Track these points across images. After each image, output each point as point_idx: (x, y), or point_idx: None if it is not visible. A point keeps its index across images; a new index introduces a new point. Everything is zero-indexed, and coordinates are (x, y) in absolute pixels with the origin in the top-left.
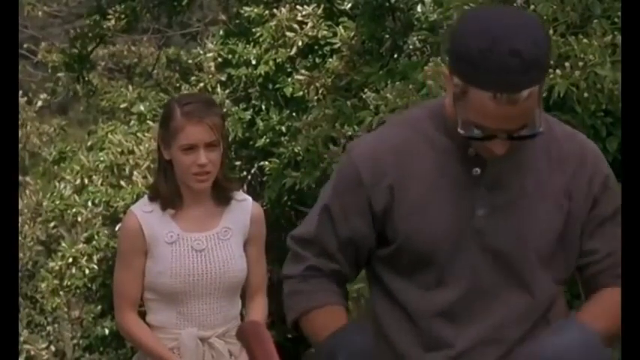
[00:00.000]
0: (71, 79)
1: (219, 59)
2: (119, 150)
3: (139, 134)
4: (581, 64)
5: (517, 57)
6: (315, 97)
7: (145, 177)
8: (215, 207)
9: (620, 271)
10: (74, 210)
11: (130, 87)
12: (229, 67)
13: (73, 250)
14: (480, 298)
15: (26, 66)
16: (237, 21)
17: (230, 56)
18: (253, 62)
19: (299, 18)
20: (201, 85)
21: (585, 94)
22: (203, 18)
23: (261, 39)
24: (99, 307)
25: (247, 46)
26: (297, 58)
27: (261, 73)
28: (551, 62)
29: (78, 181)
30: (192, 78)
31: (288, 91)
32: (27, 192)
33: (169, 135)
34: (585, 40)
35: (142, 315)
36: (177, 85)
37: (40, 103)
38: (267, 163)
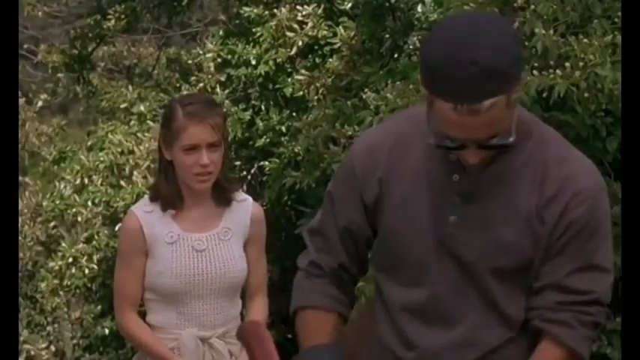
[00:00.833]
0: (71, 79)
1: (219, 59)
2: (119, 150)
3: (139, 134)
4: (581, 64)
5: (476, 66)
6: (315, 97)
7: (145, 177)
8: (215, 207)
9: (551, 315)
10: (74, 210)
11: (130, 87)
12: (229, 67)
13: (73, 250)
14: (452, 302)
15: (26, 66)
16: (237, 21)
17: (230, 56)
18: (253, 62)
19: (299, 18)
20: (201, 85)
21: (585, 94)
22: (203, 18)
23: (261, 39)
24: (99, 307)
25: (247, 46)
26: (297, 58)
27: (261, 73)
28: (551, 62)
29: (78, 181)
30: (192, 78)
31: (288, 91)
32: (27, 192)
33: (171, 135)
34: (585, 40)
35: (142, 315)
36: (178, 85)
37: (40, 104)
38: (267, 163)
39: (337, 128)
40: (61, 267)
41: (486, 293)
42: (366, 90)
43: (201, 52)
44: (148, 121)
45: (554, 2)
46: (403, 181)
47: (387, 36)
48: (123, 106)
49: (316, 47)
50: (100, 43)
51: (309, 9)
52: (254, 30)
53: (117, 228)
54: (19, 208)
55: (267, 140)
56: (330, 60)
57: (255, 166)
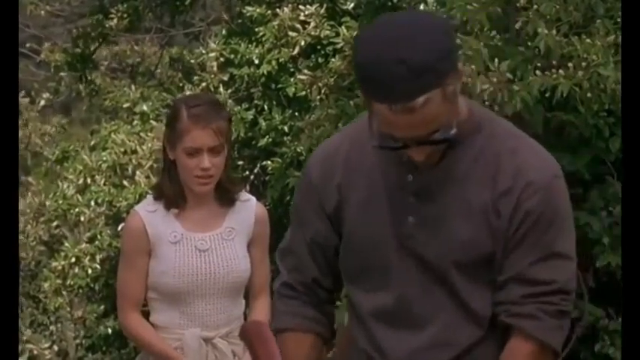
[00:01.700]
0: (74, 78)
1: (222, 59)
2: (122, 150)
3: (141, 134)
4: (584, 64)
5: (403, 65)
6: (318, 97)
7: (147, 177)
8: (219, 208)
9: (516, 309)
10: (77, 210)
11: (133, 86)
12: (232, 66)
13: (76, 250)
14: (419, 303)
15: (29, 65)
16: (239, 21)
17: (232, 56)
18: (256, 62)
19: (301, 18)
20: (204, 84)
21: (588, 94)
22: (206, 17)
23: (263, 39)
24: (102, 307)
25: (250, 45)
26: (299, 57)
27: (263, 72)
28: (554, 62)
29: (80, 181)
30: (195, 78)
31: (291, 90)
32: (29, 192)
33: (175, 136)
34: (588, 40)
35: (146, 315)
36: (180, 84)
37: (42, 103)
38: (269, 162)
39: (340, 128)
40: (64, 267)
41: (453, 292)
42: None
43: (204, 51)
44: (151, 121)
45: (557, 2)
46: (361, 185)
47: None
48: (126, 105)
49: (319, 47)
50: (103, 42)
51: (311, 9)
52: (257, 30)
53: (120, 228)
54: (22, 207)
55: (270, 140)
56: (333, 60)
57: (258, 165)
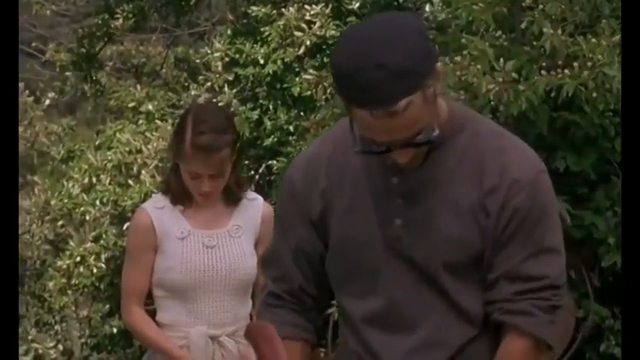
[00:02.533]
0: (79, 78)
1: (227, 59)
2: (127, 149)
3: (147, 133)
4: (589, 63)
5: (383, 70)
6: (323, 97)
7: (152, 176)
8: (225, 207)
9: (509, 306)
10: (82, 209)
11: (138, 86)
12: (237, 66)
13: (81, 249)
14: (409, 305)
15: (34, 65)
16: (244, 20)
17: (237, 56)
18: (261, 62)
19: (307, 17)
20: (209, 84)
21: (594, 94)
22: (211, 17)
23: (269, 38)
24: (107, 306)
25: (255, 45)
26: (305, 57)
27: (268, 72)
28: (560, 62)
29: (86, 180)
30: (200, 77)
31: (296, 90)
32: (35, 191)
33: (178, 153)
34: (594, 40)
35: (152, 314)
36: (186, 84)
37: (47, 102)
38: (274, 162)
39: None
40: (69, 266)
41: (442, 292)
42: None
43: (209, 51)
44: (156, 120)
45: (562, 2)
46: (345, 190)
47: None
48: (131, 105)
49: (324, 47)
50: (108, 42)
51: (317, 8)
52: (262, 29)
53: (125, 227)
54: (28, 206)
55: (275, 139)
56: None
57: (263, 165)
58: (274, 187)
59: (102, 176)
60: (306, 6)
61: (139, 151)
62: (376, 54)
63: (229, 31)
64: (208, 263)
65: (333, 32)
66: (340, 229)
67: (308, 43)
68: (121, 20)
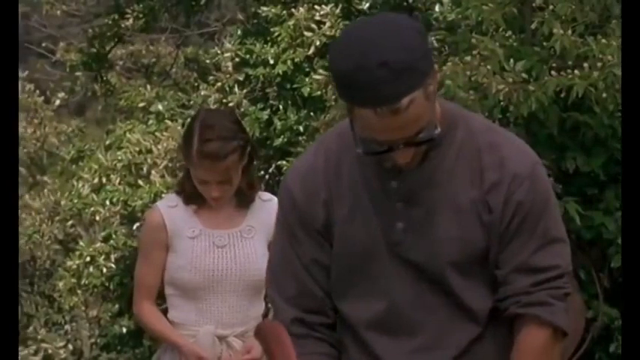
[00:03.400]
0: (89, 78)
1: (237, 59)
2: (137, 149)
3: (157, 133)
4: (599, 64)
5: (385, 68)
6: (333, 97)
7: (162, 176)
8: (238, 208)
9: (527, 298)
10: (92, 209)
11: (148, 86)
12: (247, 66)
13: (91, 249)
14: (412, 308)
15: (44, 65)
16: (254, 21)
17: (248, 56)
18: (271, 62)
19: (317, 18)
20: (219, 84)
21: (604, 95)
22: (221, 18)
23: (278, 39)
24: (116, 306)
25: (265, 45)
26: (314, 57)
27: (278, 72)
28: (570, 62)
29: (96, 180)
30: (210, 78)
31: (306, 90)
32: (45, 191)
33: (187, 158)
34: (604, 41)
35: (165, 313)
36: (196, 84)
37: (58, 102)
38: (284, 162)
39: None
40: (79, 266)
41: (448, 292)
42: None
43: (219, 51)
44: (166, 121)
45: (572, 2)
46: (344, 198)
47: None
48: (141, 105)
49: None
50: (118, 42)
51: (326, 9)
52: (272, 30)
53: (135, 227)
54: (37, 206)
55: (285, 140)
56: None
57: (273, 165)
58: None
59: (112, 176)
60: (316, 6)
61: (149, 151)
62: (378, 52)
63: (239, 32)
64: (218, 263)
65: None
66: (342, 237)
67: (318, 43)
68: (131, 20)
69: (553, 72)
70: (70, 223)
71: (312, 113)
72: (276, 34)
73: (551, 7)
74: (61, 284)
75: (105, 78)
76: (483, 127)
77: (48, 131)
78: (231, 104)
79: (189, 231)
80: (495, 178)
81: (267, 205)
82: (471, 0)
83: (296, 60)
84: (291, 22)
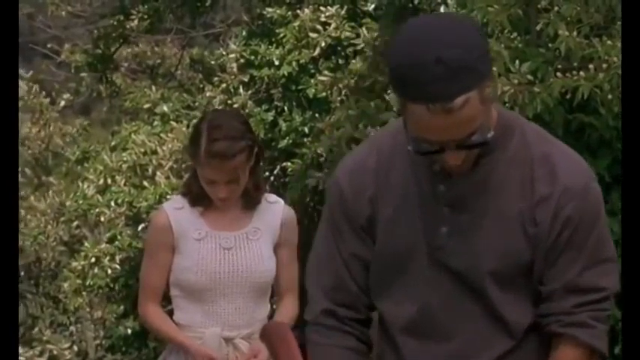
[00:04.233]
0: (94, 79)
1: (242, 60)
2: (142, 150)
3: (162, 135)
4: (605, 65)
5: (442, 65)
6: (338, 98)
7: (167, 177)
8: (244, 210)
9: (569, 318)
10: (97, 210)
11: (153, 87)
12: (252, 68)
13: (96, 250)
14: (446, 314)
15: (49, 66)
16: (260, 22)
17: (253, 57)
18: (276, 63)
19: (322, 19)
20: (224, 85)
21: (609, 96)
22: (226, 19)
23: (284, 40)
24: (121, 307)
25: (270, 47)
26: (320, 59)
27: (283, 74)
28: (575, 64)
29: (101, 182)
30: (215, 79)
31: (311, 92)
32: (50, 192)
33: (195, 159)
34: (609, 42)
35: (170, 314)
36: (201, 85)
37: (63, 103)
38: (289, 163)
39: (360, 129)
40: (84, 267)
41: (486, 302)
42: (389, 91)
43: (224, 52)
44: (171, 122)
45: (577, 4)
46: (391, 198)
47: None
48: (146, 106)
49: (339, 48)
50: (123, 43)
51: (332, 10)
52: (277, 31)
53: (140, 228)
54: (43, 207)
55: (290, 141)
56: (353, 61)
57: (278, 166)
58: (289, 189)
59: (117, 177)
60: (321, 7)
61: (154, 153)
62: (434, 49)
63: (244, 33)
64: (224, 265)
65: (348, 34)
66: (384, 236)
67: (323, 44)
68: (136, 21)
69: (558, 73)
70: (75, 224)
71: (317, 115)
72: (282, 35)
73: (556, 8)
74: (66, 285)
75: (110, 79)
76: (539, 138)
77: (53, 132)
78: (236, 105)
79: (195, 233)
80: (546, 191)
81: (273, 207)
82: (476, 1)
83: (301, 61)
84: (296, 24)
